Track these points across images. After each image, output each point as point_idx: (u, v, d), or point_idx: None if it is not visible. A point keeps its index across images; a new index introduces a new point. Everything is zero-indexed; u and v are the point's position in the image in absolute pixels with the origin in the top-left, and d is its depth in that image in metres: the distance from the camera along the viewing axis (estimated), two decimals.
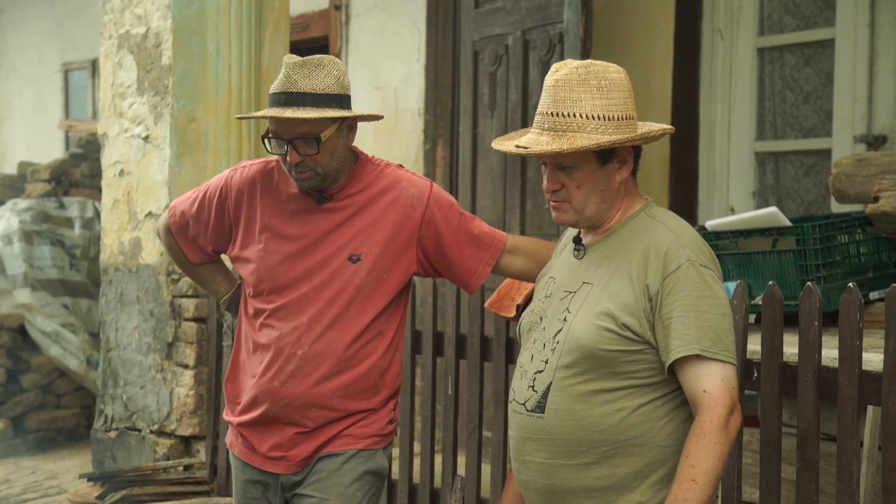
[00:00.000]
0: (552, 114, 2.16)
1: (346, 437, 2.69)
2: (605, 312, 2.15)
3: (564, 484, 2.19)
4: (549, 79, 2.19)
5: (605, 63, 2.20)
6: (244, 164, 2.81)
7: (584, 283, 2.24)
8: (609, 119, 2.15)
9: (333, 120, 2.59)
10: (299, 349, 2.65)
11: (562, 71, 2.18)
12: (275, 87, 2.59)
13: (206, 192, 2.81)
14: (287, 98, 2.55)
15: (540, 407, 2.21)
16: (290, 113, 2.52)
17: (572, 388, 2.17)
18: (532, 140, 2.19)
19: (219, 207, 2.77)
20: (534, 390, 2.23)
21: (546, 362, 2.22)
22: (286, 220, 2.70)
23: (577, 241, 2.32)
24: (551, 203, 2.27)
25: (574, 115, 2.15)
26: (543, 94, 2.21)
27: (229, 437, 2.83)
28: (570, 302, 2.23)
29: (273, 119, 2.58)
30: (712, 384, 2.08)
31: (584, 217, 2.25)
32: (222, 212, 2.77)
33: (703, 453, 2.06)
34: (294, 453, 2.69)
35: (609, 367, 2.15)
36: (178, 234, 2.87)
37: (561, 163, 2.20)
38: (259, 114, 2.62)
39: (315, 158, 2.59)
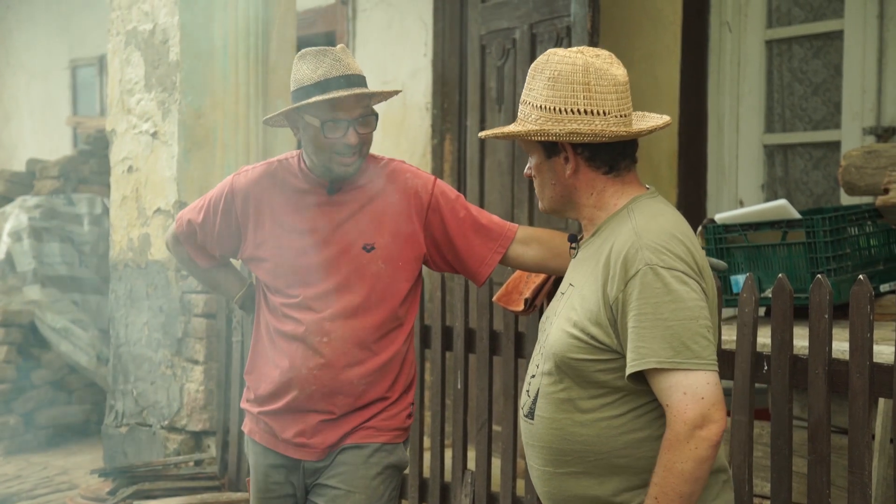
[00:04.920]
0: (522, 102, 2.17)
1: (368, 430, 2.76)
2: (575, 320, 2.08)
3: (558, 491, 2.14)
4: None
5: (565, 54, 2.11)
6: (246, 169, 2.87)
7: (570, 284, 2.19)
8: (548, 110, 2.09)
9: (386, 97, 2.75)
10: (325, 337, 2.71)
11: (539, 59, 2.15)
12: (326, 72, 2.64)
13: (210, 200, 2.87)
14: (347, 80, 2.64)
15: (531, 413, 2.17)
16: (359, 91, 2.63)
17: (553, 396, 2.11)
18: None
19: (225, 212, 2.83)
20: (528, 395, 2.19)
21: (538, 367, 2.18)
22: (297, 215, 2.75)
23: (571, 238, 2.29)
24: None
25: (526, 103, 2.14)
26: None
27: (248, 425, 2.88)
28: (560, 304, 2.19)
29: (336, 102, 2.63)
30: (673, 398, 1.96)
31: (546, 207, 2.22)
32: (229, 217, 2.82)
33: (664, 471, 1.97)
34: (317, 441, 2.75)
35: (582, 375, 2.07)
36: (186, 243, 2.95)
37: (524, 149, 2.20)
38: (342, 94, 2.62)
39: (366, 137, 2.69)
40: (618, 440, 2.06)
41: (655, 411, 2.05)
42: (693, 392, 1.95)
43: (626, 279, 2.00)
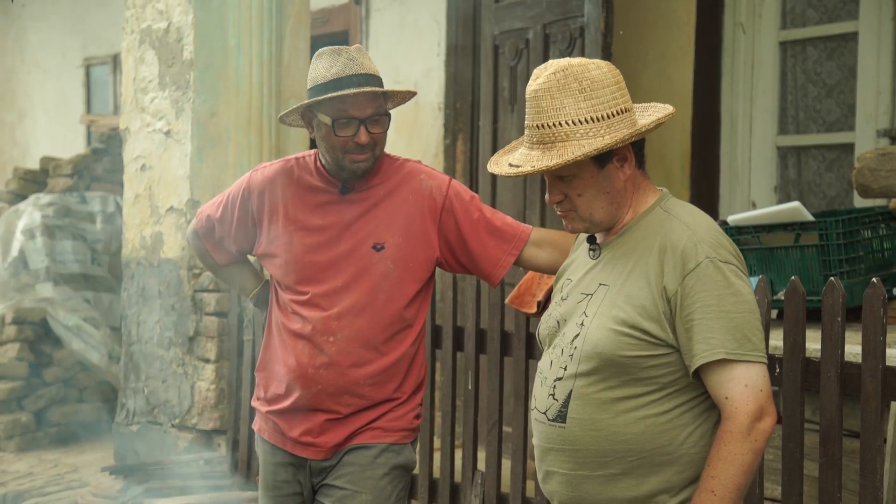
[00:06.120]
0: (538, 126, 2.08)
1: (375, 430, 2.76)
2: (623, 317, 2.07)
3: (591, 496, 2.12)
4: (529, 89, 2.09)
5: (583, 61, 2.09)
6: (263, 165, 2.90)
7: (600, 284, 2.16)
8: (597, 120, 2.05)
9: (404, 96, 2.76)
10: (331, 336, 2.71)
11: (539, 79, 2.08)
12: (340, 71, 2.63)
13: (229, 196, 2.90)
14: (360, 79, 2.63)
15: (561, 416, 2.13)
16: (368, 90, 2.61)
17: (593, 397, 2.10)
18: (523, 156, 2.12)
19: (241, 208, 2.86)
20: (554, 399, 2.16)
21: (565, 369, 2.14)
22: (310, 212, 2.77)
23: (591, 240, 2.24)
24: (559, 213, 2.20)
25: (560, 124, 2.05)
26: (527, 105, 2.11)
27: (257, 423, 2.89)
28: (588, 305, 2.15)
29: (347, 101, 2.62)
30: (734, 390, 2.00)
31: (594, 223, 2.17)
32: (245, 212, 2.86)
33: (723, 464, 1.99)
34: (324, 440, 2.76)
35: (630, 373, 2.07)
36: (205, 238, 2.98)
37: (558, 173, 2.11)
38: (352, 91, 2.60)
39: (378, 137, 2.68)
40: (662, 437, 2.07)
41: (698, 407, 2.09)
42: (753, 384, 2.01)
43: (684, 273, 2.04)
